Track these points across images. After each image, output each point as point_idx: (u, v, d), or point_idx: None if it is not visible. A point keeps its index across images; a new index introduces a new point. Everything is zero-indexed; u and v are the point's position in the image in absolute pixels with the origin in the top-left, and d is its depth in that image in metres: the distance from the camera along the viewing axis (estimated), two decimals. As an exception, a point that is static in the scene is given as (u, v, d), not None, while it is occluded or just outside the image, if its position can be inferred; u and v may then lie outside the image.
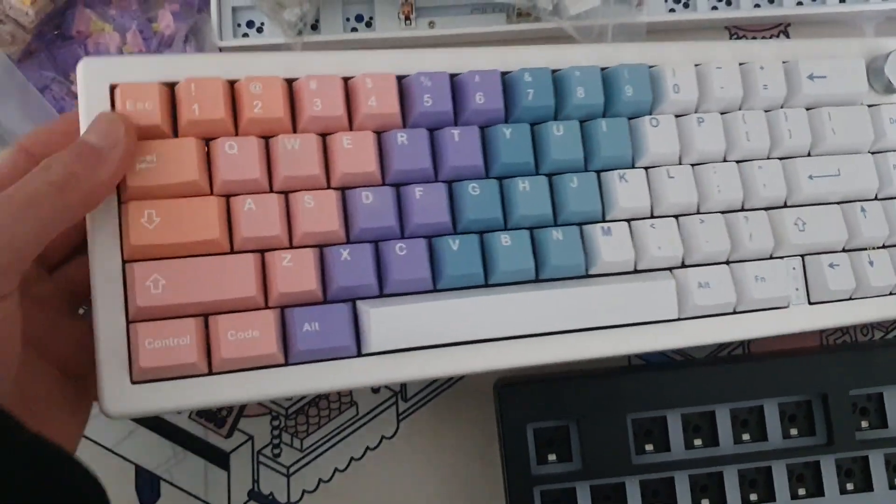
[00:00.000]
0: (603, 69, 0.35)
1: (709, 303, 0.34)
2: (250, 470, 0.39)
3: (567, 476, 0.37)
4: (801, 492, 0.40)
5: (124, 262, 0.30)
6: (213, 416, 0.38)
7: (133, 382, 0.29)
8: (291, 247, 0.31)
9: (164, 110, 0.30)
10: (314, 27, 0.40)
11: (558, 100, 0.34)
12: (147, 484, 0.38)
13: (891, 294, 0.37)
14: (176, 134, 0.31)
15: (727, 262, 0.35)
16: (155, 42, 0.39)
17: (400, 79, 0.33)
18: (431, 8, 0.41)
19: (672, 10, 0.42)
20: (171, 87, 0.31)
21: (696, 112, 0.36)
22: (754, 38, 0.43)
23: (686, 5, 0.42)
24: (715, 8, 0.42)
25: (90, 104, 0.30)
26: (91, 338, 0.31)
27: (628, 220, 0.34)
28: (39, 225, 0.27)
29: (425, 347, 0.32)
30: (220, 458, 0.38)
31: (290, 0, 0.39)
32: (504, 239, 0.33)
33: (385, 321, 0.31)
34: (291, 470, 0.39)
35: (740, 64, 0.36)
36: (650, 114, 0.35)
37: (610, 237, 0.34)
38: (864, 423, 0.38)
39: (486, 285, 0.33)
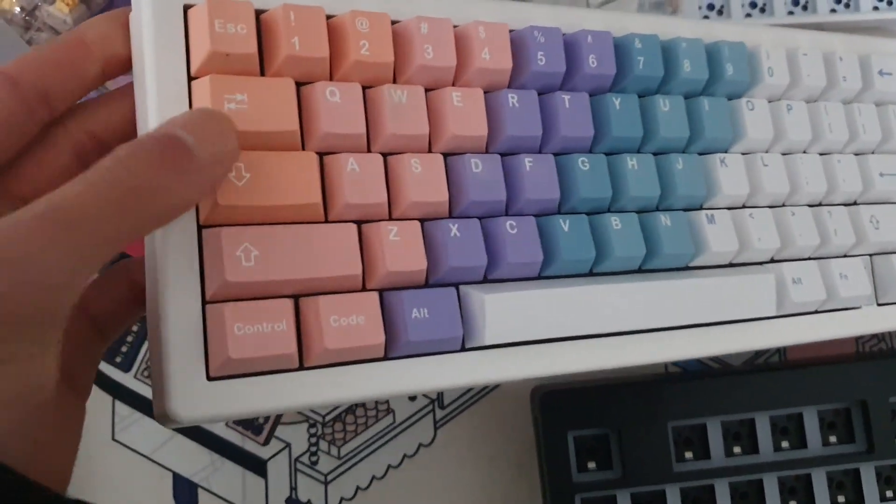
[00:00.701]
0: (710, 45, 0.32)
1: (804, 300, 0.32)
2: (288, 477, 0.37)
3: (608, 484, 0.37)
4: (841, 499, 0.39)
5: (201, 226, 0.23)
6: (250, 424, 0.36)
7: (210, 379, 0.23)
8: (391, 219, 0.26)
9: (248, 35, 0.24)
10: None
11: (665, 72, 0.31)
12: (184, 491, 0.36)
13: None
14: (263, 73, 0.25)
15: (817, 258, 0.34)
16: None
17: (513, 33, 0.29)
18: None
19: (706, 17, 0.40)
20: (260, 15, 0.25)
21: (783, 99, 0.34)
22: (797, 35, 0.42)
23: (720, 12, 0.41)
24: (749, 15, 0.41)
25: (159, 33, 0.23)
26: (89, 328, 0.25)
27: (731, 208, 0.32)
28: (98, 249, 0.19)
29: (532, 342, 0.28)
30: (257, 466, 0.37)
31: None
32: (615, 222, 0.29)
33: (500, 310, 0.26)
34: (329, 477, 0.38)
35: (826, 54, 0.35)
36: (744, 96, 0.33)
37: (715, 225, 0.31)
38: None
39: (591, 273, 0.29)
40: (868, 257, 0.36)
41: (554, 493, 0.35)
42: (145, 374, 0.36)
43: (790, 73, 0.34)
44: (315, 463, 0.38)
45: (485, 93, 0.28)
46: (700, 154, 0.32)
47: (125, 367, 0.37)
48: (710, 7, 0.41)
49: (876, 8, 0.42)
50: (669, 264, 0.30)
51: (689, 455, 0.38)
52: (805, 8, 0.42)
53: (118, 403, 0.37)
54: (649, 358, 0.29)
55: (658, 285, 0.29)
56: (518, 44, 0.28)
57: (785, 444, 0.39)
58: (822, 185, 0.34)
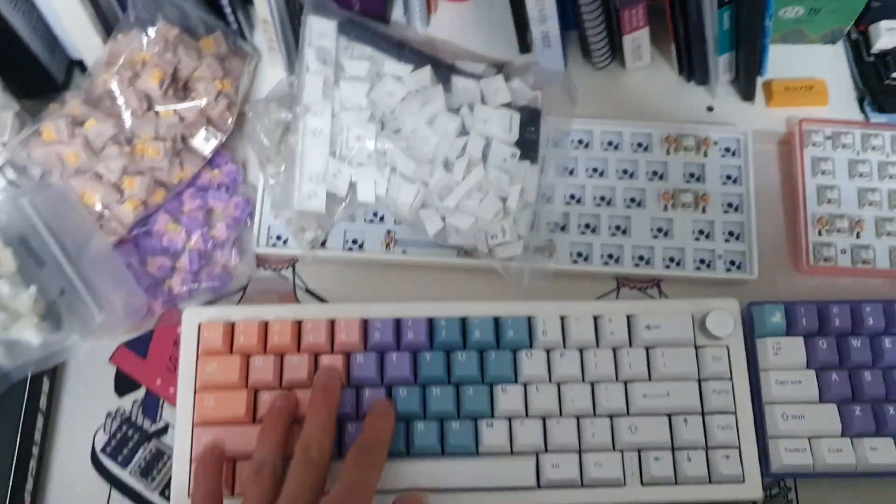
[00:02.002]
0: (498, 317, 0.54)
1: (559, 478, 0.51)
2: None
3: None
4: None
5: (193, 426, 0.51)
6: None
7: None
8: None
9: (226, 338, 0.53)
10: (323, 244, 0.58)
11: (464, 337, 0.54)
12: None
13: (710, 483, 0.52)
14: (232, 350, 0.53)
15: (578, 451, 0.52)
16: (210, 244, 0.57)
17: (364, 321, 0.54)
18: (406, 240, 0.58)
19: (575, 262, 0.60)
20: (232, 324, 0.54)
21: (564, 347, 0.54)
22: (636, 287, 0.60)
23: (585, 259, 0.60)
24: (606, 263, 0.60)
25: (188, 335, 0.53)
26: None
27: (509, 418, 0.53)
28: None
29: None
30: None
31: (309, 226, 0.57)
32: (420, 426, 0.52)
33: (337, 473, 0.51)
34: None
35: (596, 316, 0.55)
36: (530, 347, 0.54)
37: (492, 430, 0.52)
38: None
39: (408, 455, 0.52)
40: (636, 451, 0.53)
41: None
42: (136, 472, 0.53)
43: (562, 332, 0.54)
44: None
45: (348, 353, 0.53)
46: (491, 384, 0.53)
47: (123, 464, 0.53)
48: (580, 255, 0.60)
49: (698, 268, 0.59)
50: (459, 451, 0.52)
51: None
52: (647, 263, 0.60)
53: (113, 490, 0.52)
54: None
55: (445, 463, 0.51)
56: (367, 327, 0.53)
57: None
58: (588, 403, 0.53)
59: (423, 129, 0.55)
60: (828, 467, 0.53)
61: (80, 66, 0.61)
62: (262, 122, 0.57)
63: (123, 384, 0.56)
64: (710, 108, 0.65)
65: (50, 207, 0.53)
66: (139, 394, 0.56)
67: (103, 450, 0.54)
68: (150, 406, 0.55)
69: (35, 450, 0.52)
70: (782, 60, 0.66)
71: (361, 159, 0.54)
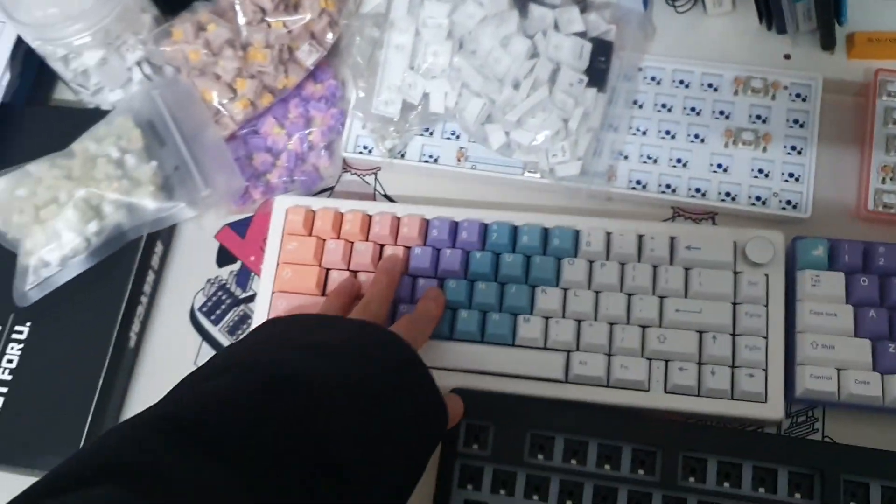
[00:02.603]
0: (547, 227, 0.59)
1: (586, 374, 0.56)
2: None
3: (480, 458, 0.54)
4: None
5: (273, 292, 0.60)
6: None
7: (262, 351, 0.59)
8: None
9: (307, 222, 0.61)
10: (402, 155, 0.65)
11: (513, 242, 0.59)
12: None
13: (732, 399, 0.55)
14: (311, 233, 0.61)
15: (608, 354, 0.57)
16: (306, 146, 0.65)
17: (426, 220, 0.60)
18: (476, 156, 0.64)
19: (633, 189, 0.64)
20: (313, 212, 0.62)
21: (606, 259, 0.58)
22: (691, 218, 0.63)
23: (644, 187, 0.64)
24: (663, 192, 0.63)
25: (276, 218, 0.62)
26: None
27: (546, 316, 0.58)
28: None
29: (410, 366, 0.57)
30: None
31: (388, 135, 0.64)
32: (464, 314, 0.58)
33: (388, 345, 0.57)
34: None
35: (640, 235, 0.58)
36: (574, 256, 0.59)
37: (528, 324, 0.57)
38: (692, 479, 0.54)
39: (451, 338, 0.58)
40: (664, 361, 0.56)
41: (443, 457, 0.54)
42: (224, 330, 0.62)
43: (606, 246, 0.58)
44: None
45: (408, 247, 0.60)
46: (534, 286, 0.58)
47: (215, 322, 0.62)
48: (638, 182, 0.64)
49: (753, 204, 0.62)
50: (497, 340, 0.57)
51: (540, 457, 0.54)
52: (703, 195, 0.63)
53: (204, 344, 0.62)
54: (474, 386, 0.56)
55: (483, 348, 0.57)
56: (428, 226, 0.60)
57: (607, 466, 0.53)
58: (622, 311, 0.57)
59: (497, 51, 0.60)
60: (852, 398, 0.54)
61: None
62: (355, 39, 0.64)
63: (224, 257, 0.65)
64: (787, 56, 0.67)
65: (175, 100, 0.63)
66: (235, 266, 0.65)
67: (200, 309, 0.64)
68: (243, 277, 0.64)
69: (143, 299, 0.62)
70: (874, 13, 0.67)
71: (435, 73, 0.60)
